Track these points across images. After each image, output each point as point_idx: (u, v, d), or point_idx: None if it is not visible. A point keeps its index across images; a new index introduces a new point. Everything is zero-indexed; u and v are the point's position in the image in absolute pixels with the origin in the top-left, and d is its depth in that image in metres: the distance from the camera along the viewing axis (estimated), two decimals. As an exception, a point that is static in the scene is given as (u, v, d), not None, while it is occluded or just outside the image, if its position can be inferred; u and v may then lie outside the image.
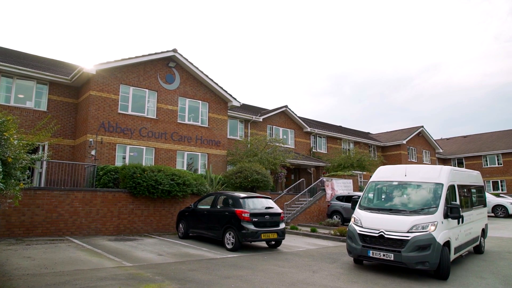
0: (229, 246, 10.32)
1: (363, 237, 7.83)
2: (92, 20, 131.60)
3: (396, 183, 8.54)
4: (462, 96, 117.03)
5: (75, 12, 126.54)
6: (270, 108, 28.70)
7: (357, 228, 8.04)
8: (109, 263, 7.82)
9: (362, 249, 7.74)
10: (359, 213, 8.33)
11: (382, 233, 7.49)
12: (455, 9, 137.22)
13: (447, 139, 48.75)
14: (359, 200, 8.80)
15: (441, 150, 39.81)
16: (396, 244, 7.29)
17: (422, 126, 36.79)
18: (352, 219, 8.45)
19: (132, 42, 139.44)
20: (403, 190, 8.41)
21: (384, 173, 9.03)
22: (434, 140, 38.66)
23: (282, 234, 10.78)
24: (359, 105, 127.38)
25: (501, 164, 38.11)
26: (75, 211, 12.06)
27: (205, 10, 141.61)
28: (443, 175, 8.17)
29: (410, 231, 7.24)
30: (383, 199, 8.65)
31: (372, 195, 8.81)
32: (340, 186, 21.05)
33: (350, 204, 17.86)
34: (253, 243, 11.14)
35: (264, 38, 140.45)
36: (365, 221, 7.95)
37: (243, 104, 26.17)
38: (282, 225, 10.92)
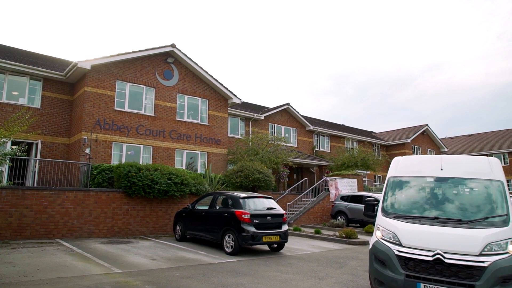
0: (228, 250, 9.67)
1: (405, 261, 5.19)
2: (88, 16, 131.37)
3: (431, 179, 5.98)
4: (465, 95, 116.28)
5: (71, 8, 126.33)
6: (272, 106, 28.03)
7: (394, 248, 5.34)
8: (96, 269, 7.18)
9: (407, 282, 5.05)
10: (390, 224, 5.62)
11: (439, 255, 4.97)
12: (458, 8, 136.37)
13: (452, 138, 48.03)
14: (381, 203, 6.08)
15: (446, 149, 39.03)
16: (464, 273, 4.84)
17: (427, 125, 35.98)
18: (379, 233, 5.70)
19: (130, 38, 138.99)
20: (444, 190, 5.87)
21: (408, 166, 6.38)
22: (439, 139, 37.90)
23: (285, 236, 10.12)
24: (361, 105, 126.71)
25: (507, 163, 37.38)
26: (67, 212, 11.44)
27: (205, 6, 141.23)
28: (496, 169, 5.77)
29: (483, 252, 4.86)
30: (419, 203, 5.91)
31: (400, 196, 6.11)
32: (344, 186, 20.39)
33: (355, 204, 17.64)
34: (254, 246, 10.47)
35: (266, 36, 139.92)
36: (406, 236, 5.32)
37: (244, 102, 25.53)
38: (285, 227, 10.26)
